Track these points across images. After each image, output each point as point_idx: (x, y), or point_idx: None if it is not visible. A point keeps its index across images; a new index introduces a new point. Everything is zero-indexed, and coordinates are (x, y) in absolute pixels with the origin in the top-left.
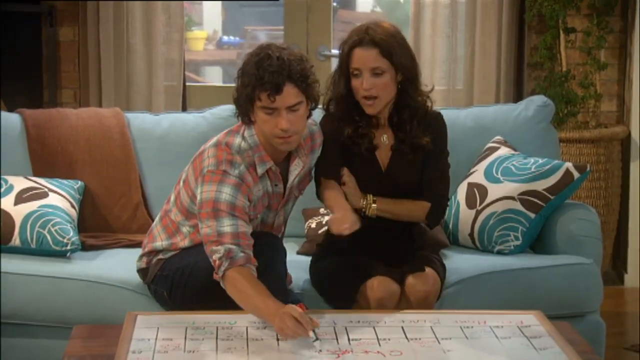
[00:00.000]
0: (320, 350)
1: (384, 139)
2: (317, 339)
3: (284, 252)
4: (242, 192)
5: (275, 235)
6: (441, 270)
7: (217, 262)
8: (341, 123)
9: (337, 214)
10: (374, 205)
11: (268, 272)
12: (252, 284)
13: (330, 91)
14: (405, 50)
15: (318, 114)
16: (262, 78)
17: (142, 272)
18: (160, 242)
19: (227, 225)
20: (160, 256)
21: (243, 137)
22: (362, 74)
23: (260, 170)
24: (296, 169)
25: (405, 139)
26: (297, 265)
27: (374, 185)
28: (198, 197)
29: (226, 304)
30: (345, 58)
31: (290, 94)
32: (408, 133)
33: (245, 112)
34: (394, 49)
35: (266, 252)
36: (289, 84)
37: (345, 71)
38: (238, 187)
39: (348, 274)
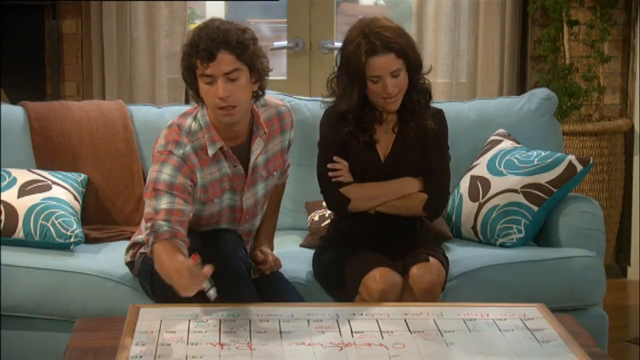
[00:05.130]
0: (215, 296)
1: (386, 128)
2: (212, 286)
3: (243, 247)
4: (183, 173)
5: (234, 231)
6: (444, 262)
7: (146, 238)
8: (342, 121)
9: None
10: None
11: (227, 270)
12: (169, 253)
13: (341, 100)
14: (412, 44)
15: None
16: (198, 46)
17: (129, 265)
18: (140, 236)
19: (163, 203)
20: (142, 250)
21: (195, 118)
22: (382, 79)
23: (210, 151)
24: (257, 148)
25: (409, 120)
26: (300, 258)
27: (372, 176)
28: None
29: (205, 297)
30: (360, 68)
31: (225, 60)
32: (415, 114)
33: (192, 86)
34: (404, 46)
35: (225, 249)
36: (224, 51)
37: (360, 80)
38: (179, 167)
39: (350, 267)
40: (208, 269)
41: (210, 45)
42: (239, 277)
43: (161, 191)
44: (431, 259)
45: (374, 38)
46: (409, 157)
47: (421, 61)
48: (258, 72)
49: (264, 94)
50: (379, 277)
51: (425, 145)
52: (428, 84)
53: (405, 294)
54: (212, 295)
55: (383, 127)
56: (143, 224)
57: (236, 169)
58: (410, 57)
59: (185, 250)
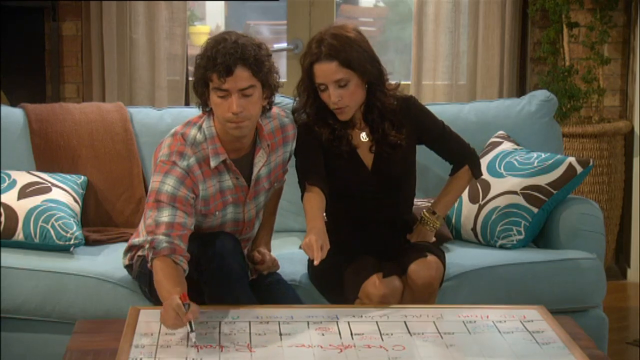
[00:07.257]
0: (195, 342)
1: (363, 136)
2: (192, 330)
3: (239, 249)
4: (186, 185)
5: (232, 234)
6: (442, 256)
7: (146, 253)
8: (316, 128)
9: (306, 237)
10: (434, 216)
11: (224, 271)
12: (166, 273)
13: (297, 102)
14: (364, 54)
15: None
16: (215, 60)
17: (127, 268)
18: (138, 239)
19: (165, 216)
20: (140, 253)
21: (200, 129)
22: (327, 87)
23: (213, 163)
24: (260, 161)
25: (380, 139)
26: (300, 260)
27: (360, 184)
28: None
29: (204, 300)
30: (307, 73)
31: (242, 76)
32: (382, 133)
33: (202, 97)
34: (352, 57)
35: (222, 251)
36: (241, 66)
37: (309, 85)
38: (182, 179)
39: (348, 272)
40: (191, 315)
41: (228, 60)
42: (235, 278)
43: (163, 203)
44: (429, 255)
45: (321, 45)
46: (395, 161)
47: (380, 73)
48: (270, 88)
49: (271, 108)
50: (379, 282)
51: (419, 141)
52: (392, 99)
53: (405, 294)
54: (192, 338)
55: (357, 131)
56: (141, 227)
57: (238, 181)
58: (359, 68)
59: (186, 265)
